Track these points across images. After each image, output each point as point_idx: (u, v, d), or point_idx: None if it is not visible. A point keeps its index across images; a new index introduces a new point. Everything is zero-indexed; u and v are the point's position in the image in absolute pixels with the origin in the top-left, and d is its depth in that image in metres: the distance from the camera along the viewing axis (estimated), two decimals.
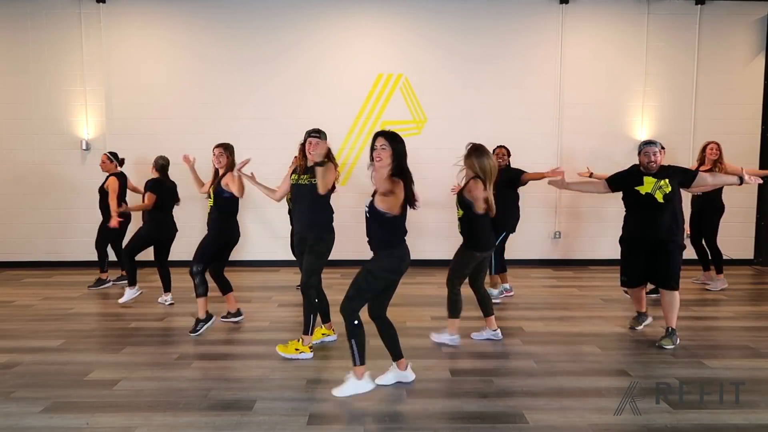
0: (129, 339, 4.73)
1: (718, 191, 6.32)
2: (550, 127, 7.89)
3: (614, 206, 7.76)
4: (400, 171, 3.40)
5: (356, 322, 3.49)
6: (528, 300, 6.06)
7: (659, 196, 4.47)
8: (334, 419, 3.24)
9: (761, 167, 7.95)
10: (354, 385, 3.55)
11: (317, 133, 4.34)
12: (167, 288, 5.84)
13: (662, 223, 4.48)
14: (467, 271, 4.53)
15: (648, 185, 4.52)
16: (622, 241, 4.78)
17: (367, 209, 3.49)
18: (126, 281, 5.92)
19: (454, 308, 4.51)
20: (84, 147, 7.76)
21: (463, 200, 4.39)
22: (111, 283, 6.71)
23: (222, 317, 5.17)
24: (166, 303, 5.80)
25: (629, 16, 7.81)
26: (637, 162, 4.65)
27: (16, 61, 7.70)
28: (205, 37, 7.74)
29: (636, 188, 4.55)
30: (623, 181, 4.68)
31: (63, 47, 7.70)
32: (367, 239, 3.56)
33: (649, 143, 4.58)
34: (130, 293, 5.74)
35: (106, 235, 6.61)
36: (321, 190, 4.05)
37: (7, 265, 7.83)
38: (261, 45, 7.75)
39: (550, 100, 7.87)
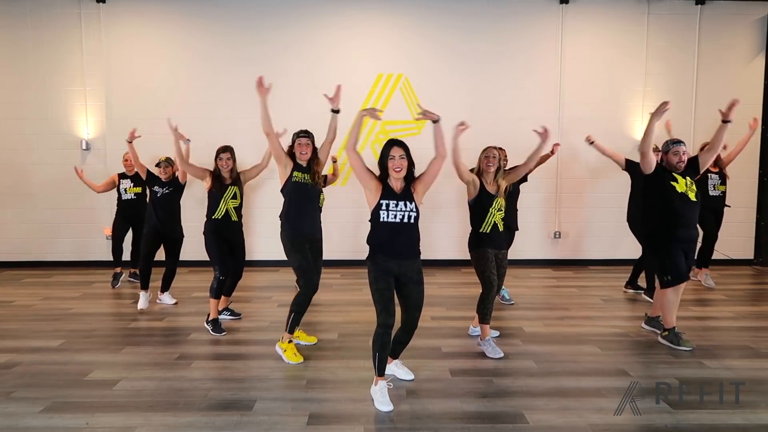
0: (129, 339, 4.73)
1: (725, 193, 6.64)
2: (550, 126, 7.84)
3: (614, 206, 7.80)
4: (413, 177, 3.53)
5: None
6: (528, 300, 6.06)
7: (692, 196, 4.41)
8: (334, 419, 3.24)
9: (761, 167, 7.97)
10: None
11: (305, 134, 4.38)
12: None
13: (695, 220, 4.48)
14: None
15: (681, 184, 4.41)
16: (662, 236, 4.46)
17: (414, 213, 3.45)
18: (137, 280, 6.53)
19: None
20: (84, 147, 7.76)
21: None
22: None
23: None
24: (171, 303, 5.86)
25: (629, 16, 7.81)
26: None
27: (16, 61, 7.71)
28: (205, 36, 7.75)
29: (672, 183, 4.40)
30: (656, 171, 4.44)
31: (63, 47, 7.70)
32: (402, 250, 3.46)
33: (677, 142, 4.44)
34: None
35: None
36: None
37: (7, 265, 7.83)
38: (261, 44, 7.75)
39: (550, 100, 7.87)
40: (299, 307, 4.25)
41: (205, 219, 4.99)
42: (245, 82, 7.78)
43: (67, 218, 7.85)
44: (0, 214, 7.89)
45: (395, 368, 3.84)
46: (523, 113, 7.84)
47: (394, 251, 3.44)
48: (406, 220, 3.44)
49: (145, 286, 5.70)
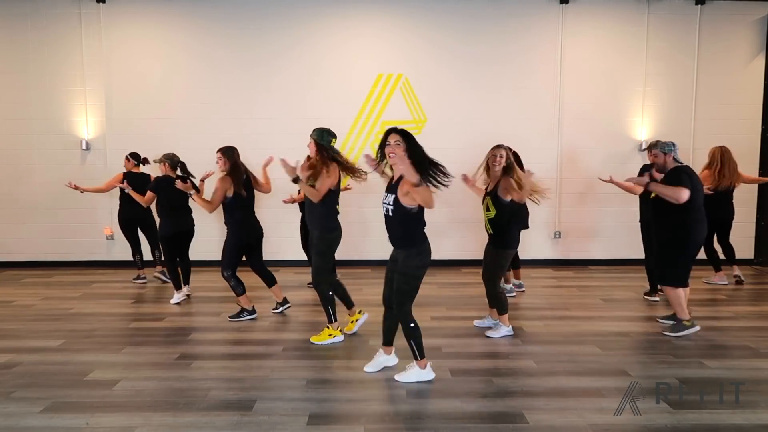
0: (129, 339, 4.73)
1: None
2: (550, 127, 7.89)
3: (614, 206, 7.81)
4: (421, 166, 3.39)
5: (412, 324, 3.69)
6: (528, 300, 6.06)
7: None
8: (334, 419, 3.24)
9: (761, 167, 7.96)
10: (417, 374, 3.76)
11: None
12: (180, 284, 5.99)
13: None
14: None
15: None
16: (694, 243, 4.58)
17: (390, 206, 3.56)
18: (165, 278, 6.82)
19: (504, 304, 4.74)
20: (84, 147, 7.76)
21: (498, 200, 4.58)
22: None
23: (273, 310, 5.47)
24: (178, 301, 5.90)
25: (629, 16, 7.81)
26: (655, 163, 4.82)
27: (16, 61, 7.70)
28: (205, 37, 7.74)
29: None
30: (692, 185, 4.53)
31: (63, 47, 7.70)
32: (389, 237, 3.64)
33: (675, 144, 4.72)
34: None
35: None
36: (314, 199, 4.33)
37: (7, 265, 7.83)
38: (261, 45, 7.75)
39: (550, 100, 7.87)
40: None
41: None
42: (245, 83, 7.80)
43: (67, 218, 7.85)
44: (0, 214, 7.88)
45: (389, 357, 3.98)
46: (523, 113, 7.85)
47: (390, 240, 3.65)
48: (386, 212, 3.60)
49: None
